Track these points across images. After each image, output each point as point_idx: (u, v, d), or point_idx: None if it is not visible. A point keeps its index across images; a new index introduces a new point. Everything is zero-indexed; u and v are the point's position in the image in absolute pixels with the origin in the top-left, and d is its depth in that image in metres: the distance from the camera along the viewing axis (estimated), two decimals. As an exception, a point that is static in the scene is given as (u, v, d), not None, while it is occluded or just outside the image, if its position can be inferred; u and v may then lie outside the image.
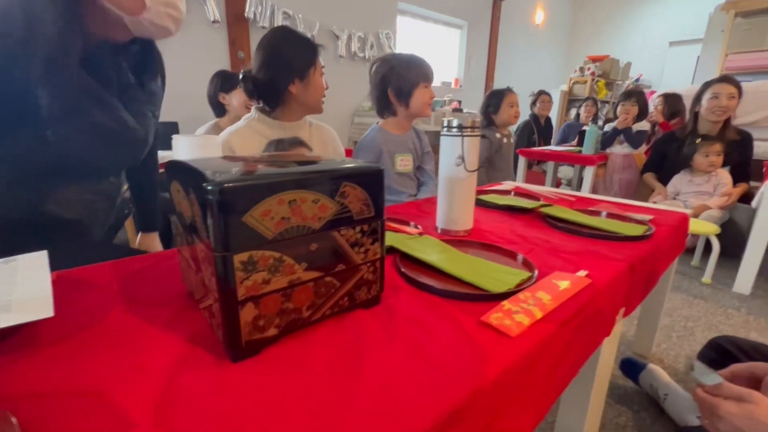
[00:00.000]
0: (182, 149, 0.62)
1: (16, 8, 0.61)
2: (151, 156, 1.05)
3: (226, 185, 0.34)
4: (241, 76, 1.14)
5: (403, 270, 0.59)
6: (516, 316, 0.47)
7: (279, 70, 1.07)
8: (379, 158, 1.21)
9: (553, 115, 5.31)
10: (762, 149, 2.96)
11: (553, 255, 0.71)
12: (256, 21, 3.42)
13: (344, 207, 0.43)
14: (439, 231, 0.83)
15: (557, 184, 3.79)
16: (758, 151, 2.93)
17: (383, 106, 1.27)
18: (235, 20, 3.32)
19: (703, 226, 1.75)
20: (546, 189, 1.29)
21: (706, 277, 1.76)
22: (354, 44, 4.21)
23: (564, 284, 0.56)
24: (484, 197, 1.12)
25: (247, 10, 3.33)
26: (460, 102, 5.04)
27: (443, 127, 0.78)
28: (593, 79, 4.93)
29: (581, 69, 5.07)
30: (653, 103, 3.01)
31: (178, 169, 0.44)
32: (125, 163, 0.92)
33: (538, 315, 0.48)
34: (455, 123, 0.75)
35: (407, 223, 0.84)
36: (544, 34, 6.74)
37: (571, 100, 5.21)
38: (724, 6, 3.90)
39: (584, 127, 3.11)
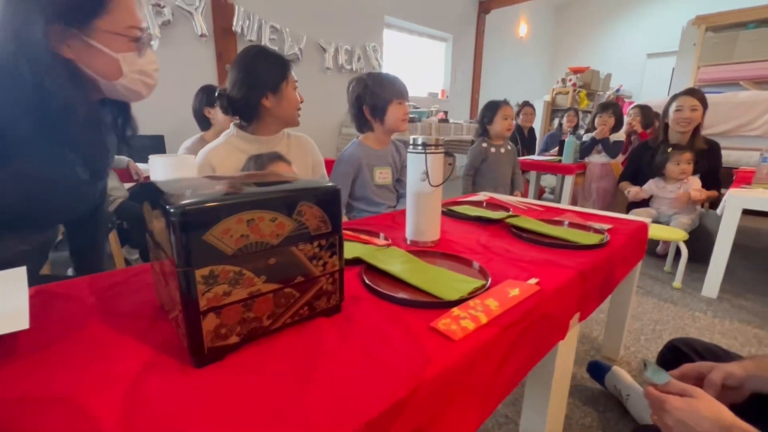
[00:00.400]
0: (158, 169, 0.66)
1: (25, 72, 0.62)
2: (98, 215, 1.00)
3: (187, 207, 0.38)
4: (216, 94, 1.18)
5: (366, 281, 0.63)
6: (462, 322, 0.52)
7: (251, 85, 1.12)
8: (358, 171, 1.26)
9: (537, 124, 5.44)
10: (733, 157, 3.10)
11: (511, 264, 0.76)
12: (244, 35, 3.48)
13: (301, 224, 0.47)
14: (408, 242, 0.88)
15: (540, 192, 3.88)
16: (729, 159, 3.06)
17: (361, 122, 1.32)
18: (223, 34, 3.37)
19: (672, 233, 1.83)
20: (517, 200, 1.35)
21: (677, 282, 1.83)
22: (341, 57, 4.29)
23: (513, 291, 0.61)
24: (456, 208, 1.17)
25: (234, 24, 3.39)
26: (446, 112, 5.14)
27: (409, 145, 0.82)
28: (575, 90, 5.08)
29: (563, 80, 5.22)
30: (629, 115, 3.13)
31: (149, 189, 0.47)
32: (69, 216, 0.88)
33: (484, 320, 0.53)
34: (420, 141, 0.81)
35: (378, 235, 0.88)
36: (528, 46, 6.93)
37: (554, 110, 5.34)
38: (695, 21, 4.08)
39: (564, 137, 3.21)
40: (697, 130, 2.25)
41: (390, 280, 0.66)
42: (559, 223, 1.04)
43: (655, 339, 1.38)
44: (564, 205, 1.32)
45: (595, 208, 2.85)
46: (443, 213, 1.15)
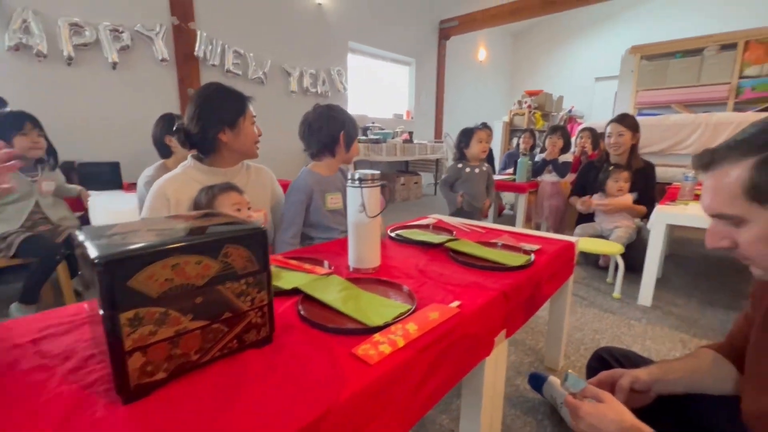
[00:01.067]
0: (98, 210, 0.68)
1: None
2: None
3: (111, 256, 0.43)
4: (174, 128, 1.21)
5: (301, 311, 0.68)
6: (381, 347, 0.57)
7: (208, 120, 1.16)
8: (310, 198, 1.31)
9: (497, 144, 5.73)
10: (669, 174, 3.39)
11: (440, 287, 0.83)
12: (207, 59, 3.51)
13: (228, 265, 0.52)
14: (351, 269, 0.93)
15: (501, 208, 4.07)
16: (665, 176, 3.34)
17: (327, 146, 1.36)
18: (185, 59, 3.39)
19: (609, 247, 1.99)
20: (463, 222, 1.45)
21: (616, 293, 1.97)
22: (306, 80, 4.39)
23: (433, 315, 0.67)
24: (404, 233, 1.24)
25: (196, 49, 3.41)
26: (411, 133, 5.32)
27: (348, 179, 0.89)
28: (530, 112, 5.40)
29: (520, 102, 5.55)
30: (579, 137, 3.37)
31: (82, 235, 0.51)
32: None
33: (401, 344, 0.59)
34: (357, 176, 0.87)
35: (322, 263, 0.93)
36: (488, 70, 7.33)
37: (513, 130, 5.64)
38: (631, 50, 4.49)
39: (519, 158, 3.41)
40: (634, 150, 2.47)
41: (324, 308, 0.71)
42: (494, 245, 1.13)
43: (593, 348, 1.49)
44: (505, 226, 1.42)
45: (547, 223, 3.05)
46: (391, 238, 1.23)
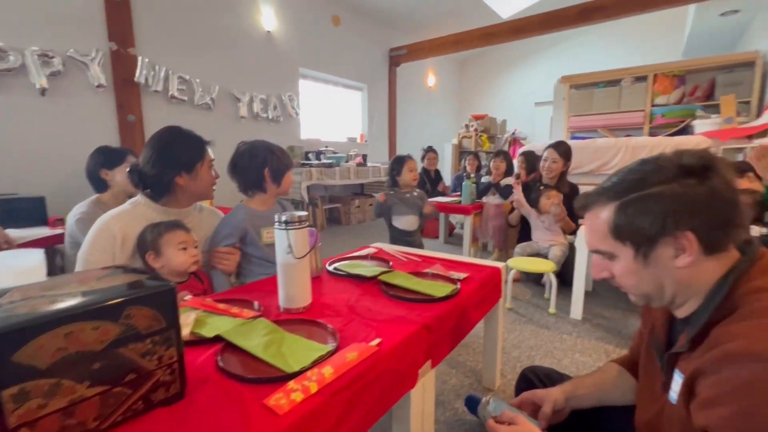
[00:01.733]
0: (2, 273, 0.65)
1: None
2: None
3: (-7, 333, 0.42)
4: (127, 170, 1.19)
5: (219, 361, 0.68)
6: (293, 395, 0.59)
7: (165, 164, 1.16)
8: (244, 234, 1.31)
9: (447, 166, 5.98)
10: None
11: (366, 324, 0.86)
12: (148, 85, 3.40)
13: (130, 327, 0.52)
14: (282, 309, 0.94)
15: (451, 228, 4.22)
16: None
17: (254, 184, 1.37)
18: (124, 84, 3.26)
19: (543, 266, 2.14)
20: (399, 250, 1.50)
21: (552, 308, 2.11)
22: (256, 105, 4.37)
23: (352, 356, 0.70)
24: (341, 265, 1.27)
25: (137, 74, 3.30)
26: (365, 156, 5.42)
27: (275, 222, 0.91)
28: (477, 135, 5.72)
29: (467, 126, 5.86)
30: (518, 160, 3.62)
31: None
32: None
33: (314, 389, 0.61)
34: (283, 219, 0.90)
35: (252, 305, 0.94)
36: (437, 94, 7.69)
37: (462, 151, 5.92)
38: (561, 80, 4.94)
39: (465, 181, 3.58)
40: (563, 175, 2.70)
41: (246, 355, 0.71)
42: (425, 274, 1.19)
43: (528, 365, 1.58)
44: (440, 253, 1.50)
45: (492, 242, 3.21)
46: (329, 272, 1.25)
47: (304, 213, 0.93)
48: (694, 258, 0.60)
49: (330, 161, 4.55)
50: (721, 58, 4.07)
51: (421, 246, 2.30)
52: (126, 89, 3.28)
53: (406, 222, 2.25)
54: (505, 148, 6.14)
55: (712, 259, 0.61)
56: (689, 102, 4.18)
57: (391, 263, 1.32)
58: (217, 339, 0.76)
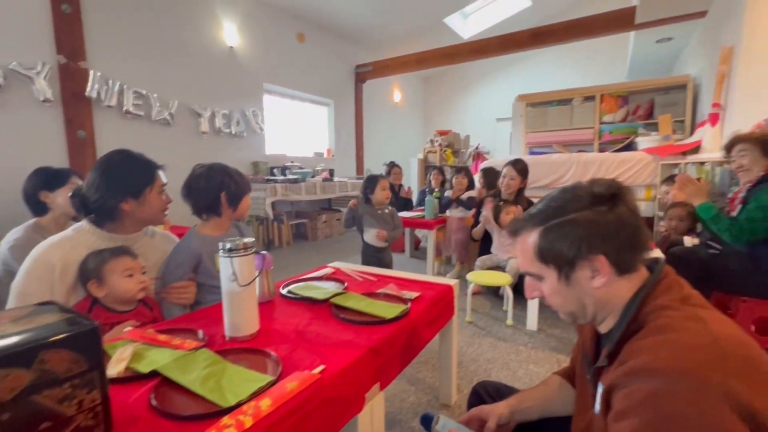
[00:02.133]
0: None
1: None
2: None
3: None
4: (70, 195, 1.14)
5: (152, 400, 0.66)
6: (226, 431, 0.58)
7: (110, 189, 1.11)
8: (197, 262, 1.27)
9: (414, 180, 6.09)
10: (554, 205, 3.90)
11: (312, 350, 0.86)
12: (101, 100, 3.27)
13: (45, 372, 0.50)
14: (227, 338, 0.92)
15: (417, 242, 4.28)
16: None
17: (209, 208, 1.34)
18: (73, 99, 3.12)
19: (499, 279, 2.22)
20: (355, 271, 1.52)
21: (509, 320, 2.19)
22: (219, 120, 4.29)
23: (292, 385, 0.70)
24: (294, 288, 1.27)
25: (88, 89, 3.17)
26: (332, 171, 5.42)
27: (220, 249, 0.90)
28: (442, 149, 5.87)
29: (432, 141, 6.02)
30: (477, 177, 3.75)
31: None
32: None
33: (248, 424, 0.60)
34: (228, 246, 0.89)
35: (196, 333, 0.91)
36: (403, 110, 7.87)
37: (427, 166, 6.05)
38: (518, 98, 5.20)
39: (428, 196, 3.67)
40: (520, 191, 2.82)
41: (183, 390, 0.70)
42: (378, 295, 1.20)
43: (484, 378, 1.62)
44: (397, 272, 1.52)
45: (454, 256, 3.29)
46: (282, 295, 1.24)
47: (250, 240, 0.93)
48: (607, 279, 0.66)
49: (296, 177, 4.52)
50: (658, 81, 4.44)
51: (390, 262, 2.33)
52: (76, 104, 3.13)
53: (375, 237, 2.27)
54: (469, 162, 6.34)
55: (624, 279, 0.67)
56: (632, 120, 4.52)
57: (346, 284, 1.33)
58: (155, 374, 0.74)
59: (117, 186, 1.13)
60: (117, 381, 0.71)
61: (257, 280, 1.15)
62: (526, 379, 1.61)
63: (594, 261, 0.65)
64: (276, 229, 4.45)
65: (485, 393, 1.13)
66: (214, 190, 1.27)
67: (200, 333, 0.92)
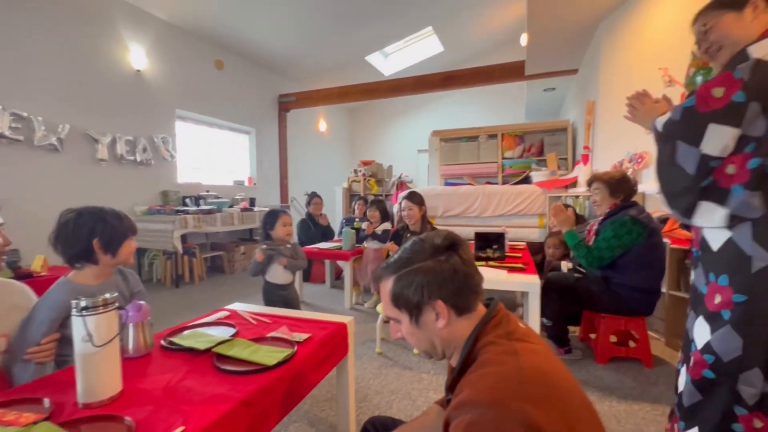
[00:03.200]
0: None
1: None
2: None
3: None
4: None
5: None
6: None
7: None
8: (68, 315, 1.15)
9: (338, 209, 6.16)
10: (464, 234, 4.22)
11: (177, 410, 0.83)
12: (-36, 123, 2.84)
13: None
14: (81, 405, 0.85)
15: (339, 272, 4.29)
16: (462, 234, 4.16)
17: (82, 257, 1.22)
18: (-75, 121, 2.66)
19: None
20: (255, 312, 1.49)
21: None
22: (121, 147, 3.96)
23: (140, 454, 0.67)
24: (177, 337, 1.20)
25: (-52, 110, 2.74)
26: (253, 199, 5.26)
27: (72, 308, 0.84)
28: (365, 179, 6.06)
29: (356, 171, 6.18)
30: (398, 206, 3.92)
31: None
32: None
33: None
34: (82, 305, 0.83)
35: (40, 402, 0.82)
36: (329, 139, 8.00)
37: (351, 195, 6.18)
38: (433, 133, 5.63)
39: (349, 225, 3.73)
40: (424, 219, 3.01)
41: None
42: (266, 339, 1.20)
43: (386, 411, 1.67)
44: (292, 311, 1.52)
45: (370, 286, 3.36)
46: (162, 346, 1.17)
47: (111, 295, 0.88)
48: (447, 320, 0.75)
49: (210, 207, 4.30)
50: (545, 124, 5.16)
51: (296, 300, 2.27)
52: (-72, 126, 2.67)
53: (281, 275, 2.20)
54: (392, 190, 6.61)
55: (463, 318, 0.77)
56: (528, 157, 5.15)
57: (236, 329, 1.30)
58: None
59: None
60: None
61: (130, 333, 1.09)
62: (425, 408, 1.68)
63: (435, 305, 0.75)
64: (187, 263, 4.14)
65: (373, 429, 1.18)
66: (84, 238, 1.17)
67: (46, 402, 0.83)
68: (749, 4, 1.01)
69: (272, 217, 2.25)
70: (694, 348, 1.07)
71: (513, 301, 3.23)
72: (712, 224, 1.00)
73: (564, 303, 2.06)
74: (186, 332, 1.27)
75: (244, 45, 5.25)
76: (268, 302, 2.13)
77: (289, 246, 2.27)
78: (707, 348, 1.01)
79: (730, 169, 0.95)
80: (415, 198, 2.87)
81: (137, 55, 4.11)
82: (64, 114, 3.49)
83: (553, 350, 2.34)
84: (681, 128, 1.01)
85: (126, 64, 4.04)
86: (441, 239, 0.79)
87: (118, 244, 1.24)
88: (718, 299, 0.99)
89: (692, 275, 1.14)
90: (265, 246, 2.22)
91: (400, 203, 2.92)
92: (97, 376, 0.85)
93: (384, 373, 2.01)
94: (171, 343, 1.18)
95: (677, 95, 2.41)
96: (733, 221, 0.96)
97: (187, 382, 0.95)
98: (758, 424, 0.98)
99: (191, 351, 1.13)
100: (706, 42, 1.09)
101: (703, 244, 1.06)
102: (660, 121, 1.06)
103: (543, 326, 2.11)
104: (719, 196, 0.97)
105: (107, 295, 0.87)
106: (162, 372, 1.01)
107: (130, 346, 1.09)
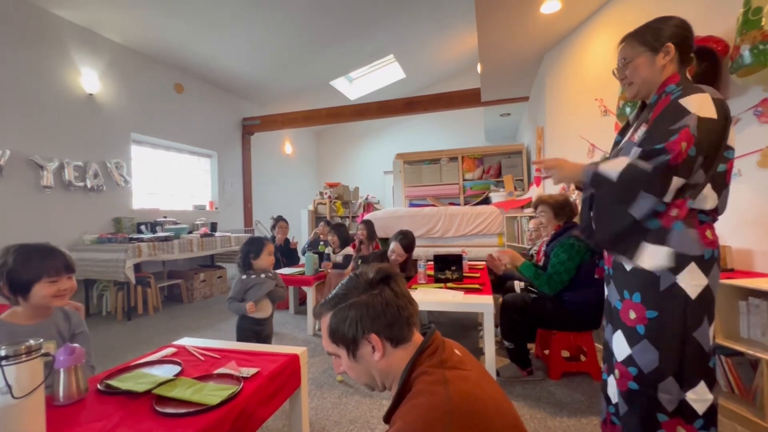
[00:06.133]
0: None
1: None
2: None
3: None
4: None
5: None
6: None
7: None
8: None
9: (305, 231, 6.09)
10: (430, 253, 4.29)
11: (106, 460, 0.79)
12: None
13: None
14: (-5, 462, 0.79)
15: (302, 297, 4.22)
16: (428, 254, 4.23)
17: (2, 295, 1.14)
18: None
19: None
20: (203, 347, 1.45)
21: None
22: (69, 173, 3.77)
23: None
24: (116, 380, 1.15)
25: None
26: (214, 224, 5.13)
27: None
28: (331, 201, 6.06)
29: (321, 193, 6.18)
30: (359, 228, 3.95)
31: None
32: None
33: None
34: (2, 353, 0.79)
35: (-50, 466, 0.76)
36: (295, 162, 7.98)
37: (318, 217, 6.15)
38: (397, 156, 5.77)
39: (310, 250, 3.70)
40: (406, 260, 3.04)
41: None
42: (212, 377, 1.17)
43: (344, 441, 1.64)
44: (245, 344, 1.49)
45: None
46: (98, 390, 1.11)
47: (36, 342, 0.84)
48: (383, 352, 0.78)
49: (167, 234, 4.14)
50: (502, 147, 5.43)
51: (270, 335, 2.15)
52: None
53: (261, 307, 2.09)
54: (359, 211, 6.65)
55: (400, 349, 0.79)
56: (487, 178, 5.38)
57: (182, 367, 1.25)
58: None
59: None
60: None
61: (61, 379, 1.03)
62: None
63: (369, 338, 0.77)
64: (141, 293, 3.92)
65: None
66: None
67: (-44, 463, 0.76)
68: (662, 50, 1.10)
69: (257, 245, 2.13)
70: (615, 360, 1.15)
71: (475, 321, 3.30)
72: (658, 263, 1.03)
73: (524, 324, 2.13)
74: (126, 374, 1.22)
75: (206, 69, 5.22)
76: (242, 338, 2.03)
77: (270, 275, 2.19)
78: (630, 361, 1.09)
79: (674, 212, 1.03)
80: (406, 243, 2.83)
81: (89, 79, 3.99)
82: (4, 139, 3.30)
83: (516, 373, 2.38)
84: (650, 180, 0.99)
85: (77, 87, 3.90)
86: (374, 273, 0.82)
87: (24, 288, 1.13)
88: (632, 315, 1.09)
89: (606, 291, 1.23)
90: (246, 278, 2.09)
91: (390, 244, 2.90)
92: (15, 430, 0.80)
93: (344, 402, 1.98)
94: (108, 386, 1.12)
95: (611, 125, 2.64)
96: (680, 260, 1.01)
97: (123, 428, 0.91)
98: (682, 431, 1.06)
99: (129, 394, 1.08)
100: (621, 73, 1.21)
101: (616, 264, 1.16)
102: (614, 171, 1.04)
103: (506, 349, 2.17)
104: (660, 236, 1.04)
105: (31, 342, 0.83)
106: (94, 420, 0.96)
107: (61, 393, 1.03)
